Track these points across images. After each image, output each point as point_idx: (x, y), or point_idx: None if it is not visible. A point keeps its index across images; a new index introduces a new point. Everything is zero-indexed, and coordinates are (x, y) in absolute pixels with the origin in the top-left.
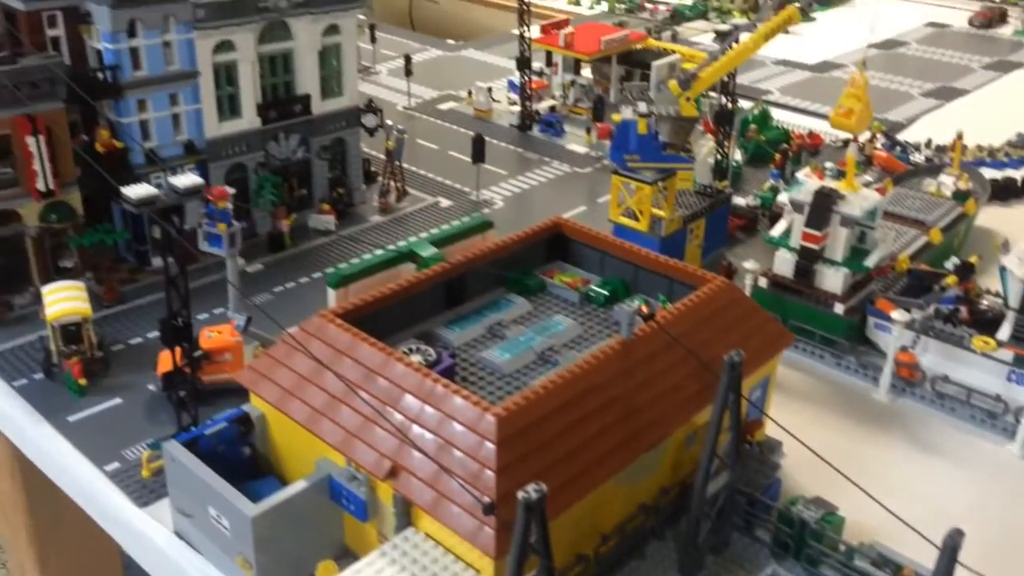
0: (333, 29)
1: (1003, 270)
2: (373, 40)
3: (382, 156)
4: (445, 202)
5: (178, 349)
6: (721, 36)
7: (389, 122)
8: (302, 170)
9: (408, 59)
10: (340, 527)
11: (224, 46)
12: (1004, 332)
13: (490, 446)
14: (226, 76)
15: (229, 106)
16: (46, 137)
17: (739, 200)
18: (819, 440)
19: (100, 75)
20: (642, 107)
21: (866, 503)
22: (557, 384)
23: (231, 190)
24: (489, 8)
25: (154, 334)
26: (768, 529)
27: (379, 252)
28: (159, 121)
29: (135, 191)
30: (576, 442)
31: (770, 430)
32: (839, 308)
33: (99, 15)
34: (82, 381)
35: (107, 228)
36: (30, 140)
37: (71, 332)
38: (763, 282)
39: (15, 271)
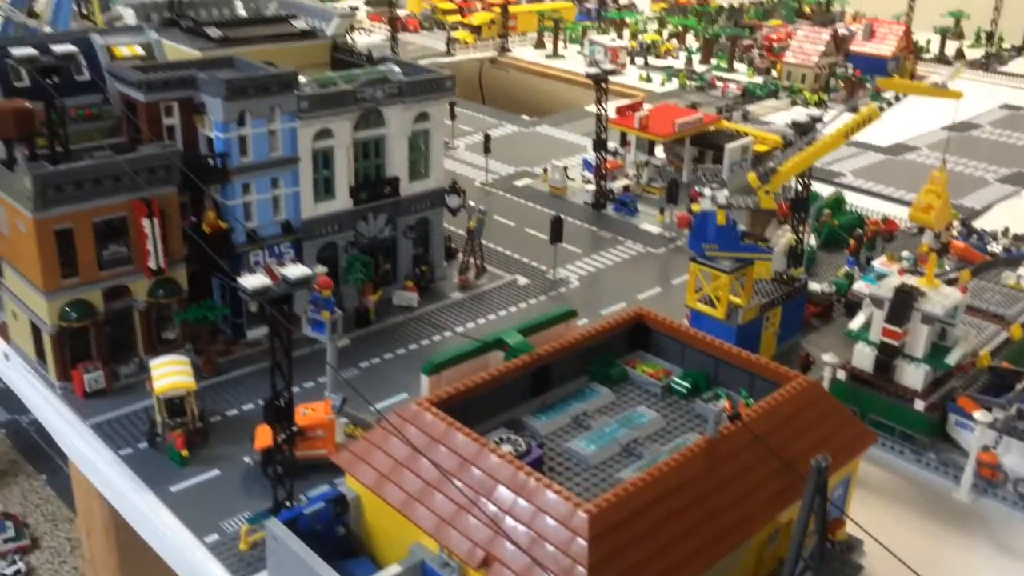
0: (423, 116)
1: None
2: (452, 117)
3: (462, 232)
4: (522, 280)
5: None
6: (798, 128)
7: (471, 202)
8: (387, 247)
9: (487, 138)
10: None
11: (323, 133)
12: None
13: (582, 542)
14: (323, 161)
15: (324, 188)
16: (160, 219)
17: (814, 286)
18: (899, 540)
19: (211, 161)
20: (721, 198)
21: None
22: (647, 481)
23: (322, 268)
24: (558, 81)
25: (249, 406)
26: None
27: (459, 330)
28: (261, 203)
29: (250, 282)
30: (664, 540)
31: (850, 528)
32: (919, 404)
33: (212, 107)
34: (184, 452)
35: (209, 304)
36: (145, 222)
37: (175, 405)
38: (842, 375)
39: (122, 342)
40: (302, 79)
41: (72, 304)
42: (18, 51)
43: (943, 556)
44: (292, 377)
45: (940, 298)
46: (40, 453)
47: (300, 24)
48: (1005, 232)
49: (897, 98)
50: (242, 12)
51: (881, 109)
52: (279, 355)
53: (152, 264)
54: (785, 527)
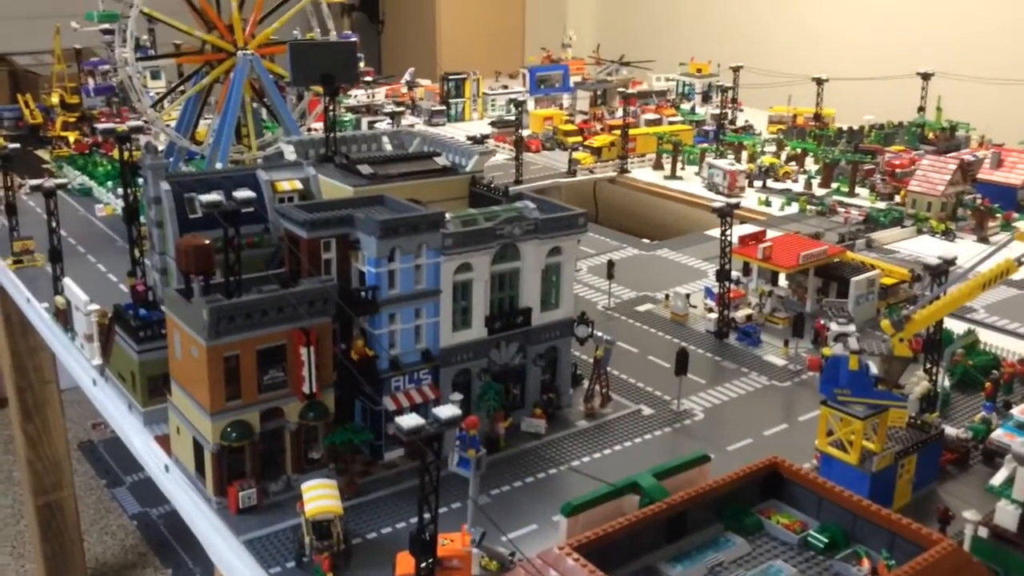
0: (556, 250)
1: None
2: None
3: (588, 359)
4: (647, 410)
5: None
6: (931, 272)
7: (599, 333)
8: (517, 374)
9: (611, 263)
10: None
11: (463, 267)
12: None
13: None
14: (462, 292)
15: (462, 318)
16: (315, 347)
17: (949, 430)
18: None
19: (363, 293)
20: (853, 343)
21: None
22: None
23: (458, 396)
24: (675, 202)
25: (388, 529)
26: None
27: (585, 460)
28: (404, 332)
29: (407, 422)
30: None
31: None
32: None
33: (367, 243)
34: (330, 575)
35: (354, 428)
36: (303, 350)
37: (323, 528)
38: (983, 532)
39: (272, 460)
40: (447, 216)
41: (233, 424)
42: (205, 197)
43: None
44: (438, 511)
45: None
46: (168, 547)
47: (442, 160)
48: None
49: None
50: (389, 148)
51: (1020, 263)
52: (427, 490)
53: (306, 389)
54: None
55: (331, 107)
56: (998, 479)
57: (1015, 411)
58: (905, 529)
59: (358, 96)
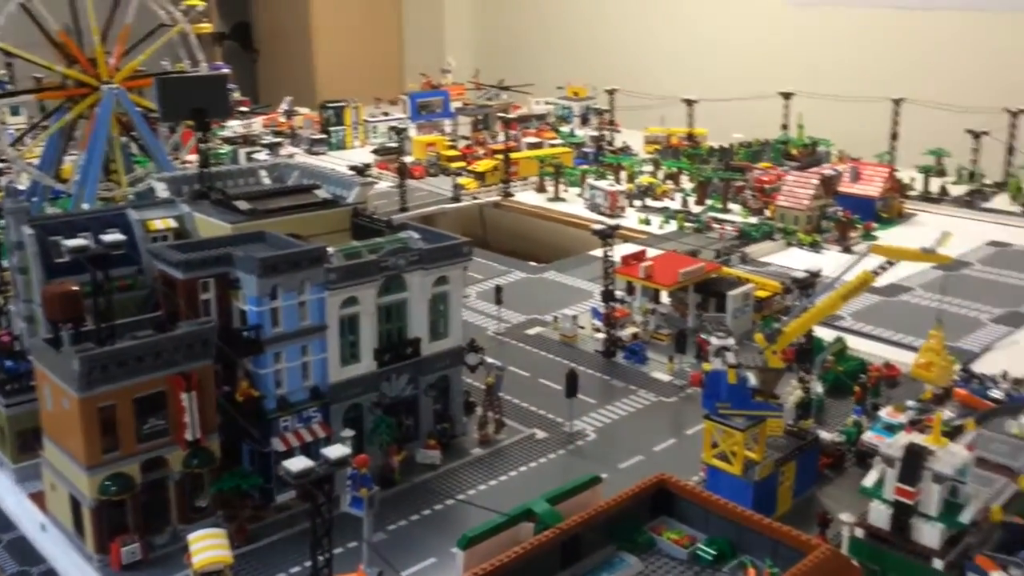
0: (443, 280)
1: None
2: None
3: (481, 386)
4: (541, 434)
5: None
6: (799, 284)
7: (489, 360)
8: (409, 405)
9: (499, 289)
10: None
11: (349, 301)
12: None
13: None
14: (349, 326)
15: (350, 352)
16: (197, 391)
17: (824, 435)
18: None
19: (245, 333)
20: (731, 358)
21: None
22: None
23: (350, 432)
24: (560, 224)
25: (282, 574)
26: None
27: (482, 488)
28: (291, 370)
29: (294, 465)
30: None
31: None
32: (938, 563)
33: (247, 282)
34: None
35: (242, 472)
36: (184, 396)
37: None
38: (860, 533)
39: (156, 512)
40: (330, 250)
41: (112, 477)
42: (71, 242)
43: None
44: (332, 553)
45: (949, 457)
46: None
47: (322, 193)
48: (1004, 376)
49: (890, 263)
50: (267, 181)
51: (876, 274)
52: (320, 532)
53: (189, 436)
54: None
55: (204, 142)
56: (869, 480)
57: (882, 413)
58: (786, 536)
59: (234, 127)
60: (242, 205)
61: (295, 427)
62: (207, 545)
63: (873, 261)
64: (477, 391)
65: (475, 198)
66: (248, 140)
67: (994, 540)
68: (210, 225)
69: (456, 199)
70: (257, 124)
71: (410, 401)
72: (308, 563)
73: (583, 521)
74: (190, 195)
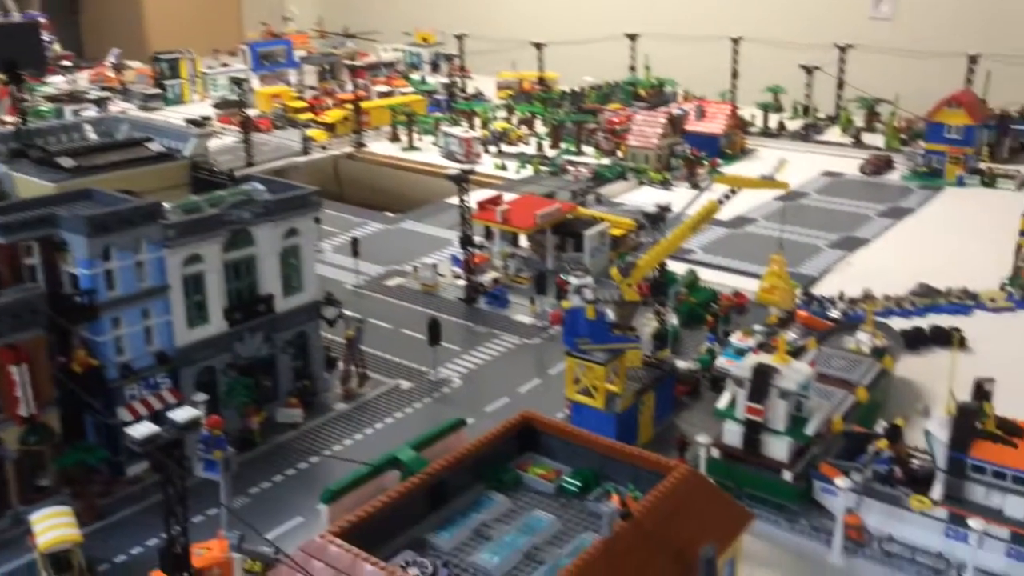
0: (292, 232)
1: (928, 434)
2: (316, 220)
3: (341, 340)
4: (405, 384)
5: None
6: (651, 219)
7: (348, 312)
8: (266, 365)
9: (355, 241)
10: None
11: (192, 259)
12: (937, 492)
13: None
14: (194, 286)
15: (197, 313)
16: (28, 364)
17: (680, 364)
18: None
19: (77, 299)
20: (589, 294)
21: None
22: None
23: (202, 396)
24: (416, 173)
25: (138, 549)
26: None
27: (347, 443)
28: (132, 335)
29: (138, 431)
30: None
31: None
32: (787, 475)
33: (75, 243)
34: None
35: (85, 446)
36: (13, 369)
37: (61, 560)
38: (716, 453)
39: None
40: (166, 206)
41: None
42: None
43: None
44: (188, 522)
45: (793, 374)
46: None
47: (156, 146)
48: (841, 297)
49: (733, 191)
50: (93, 137)
51: (720, 203)
52: (173, 501)
53: (23, 411)
54: None
55: (20, 95)
56: (722, 402)
57: (733, 338)
58: (646, 461)
59: (57, 84)
60: (65, 162)
61: (142, 395)
62: (52, 525)
63: (718, 191)
64: (338, 346)
65: (325, 149)
66: (74, 97)
67: (836, 449)
68: (31, 185)
69: (306, 152)
70: (83, 80)
71: (267, 360)
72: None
73: (449, 464)
74: (7, 154)
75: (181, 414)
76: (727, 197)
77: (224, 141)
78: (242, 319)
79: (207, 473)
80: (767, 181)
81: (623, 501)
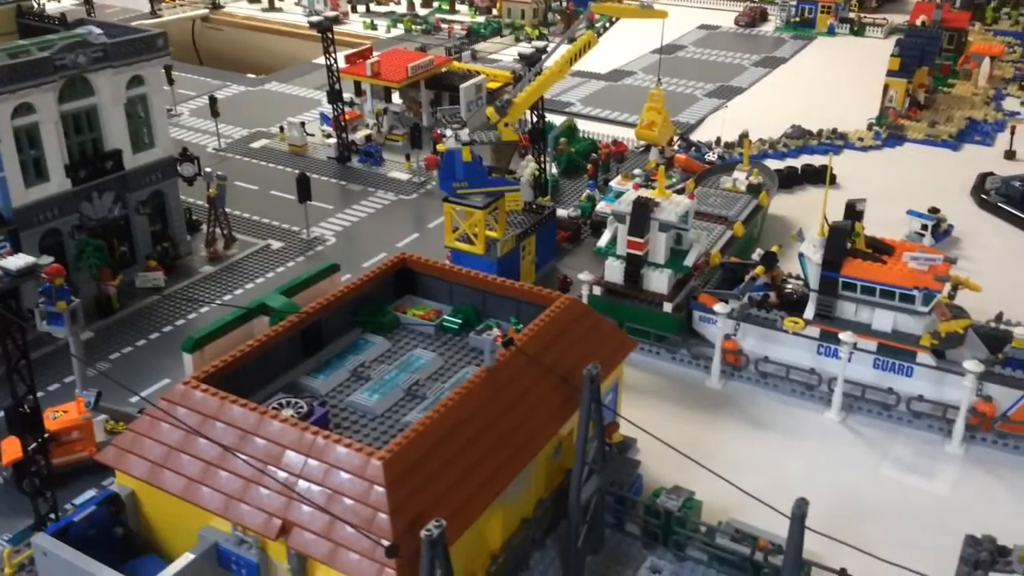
0: (137, 80)
1: (801, 257)
2: (170, 81)
3: (204, 204)
4: (276, 244)
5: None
6: (526, 59)
7: (208, 169)
8: (121, 228)
9: (213, 100)
10: None
11: (23, 109)
12: (809, 312)
13: (380, 490)
14: (28, 140)
15: (35, 170)
16: None
17: (561, 212)
18: (666, 431)
19: None
20: (464, 135)
21: (716, 483)
22: (435, 419)
23: (48, 259)
24: (279, 36)
25: None
26: (637, 523)
27: (216, 302)
28: None
29: None
30: (458, 472)
31: (625, 429)
32: (668, 307)
33: None
34: None
35: None
36: None
37: None
38: (597, 290)
39: None
40: None
41: None
42: None
43: (705, 438)
44: (34, 379)
45: (672, 206)
46: None
47: None
48: (718, 142)
49: (611, 22)
50: None
51: (598, 34)
52: (14, 357)
53: None
54: (567, 439)
55: None
56: (603, 241)
57: (613, 183)
58: (528, 295)
59: None
60: None
61: None
62: None
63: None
64: (202, 210)
65: (178, 8)
66: None
67: (715, 280)
68: None
69: (155, 14)
70: None
71: (121, 222)
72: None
73: (322, 308)
74: None
75: (14, 261)
76: (604, 28)
77: (62, 3)
78: (87, 177)
79: (51, 327)
80: (646, 10)
81: (505, 334)
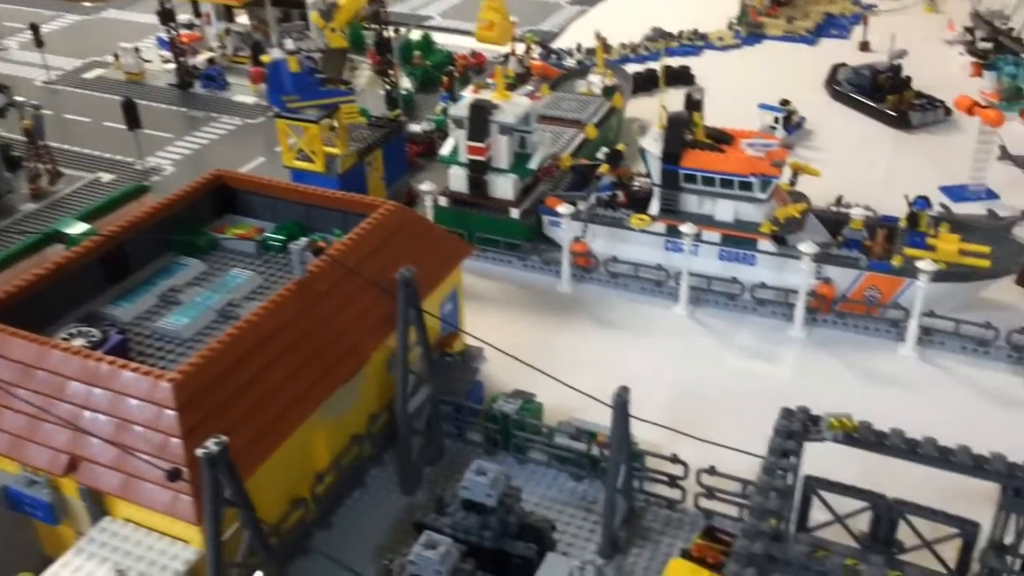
0: None
1: (643, 151)
2: None
3: (21, 138)
4: (107, 176)
5: None
6: None
7: (19, 98)
8: None
9: (35, 28)
10: (34, 537)
11: None
12: (654, 207)
13: (171, 413)
14: None
15: None
16: None
17: (414, 127)
18: (517, 339)
19: None
20: (289, 44)
21: (560, 386)
22: (234, 337)
23: None
24: None
25: None
26: (477, 430)
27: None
28: None
29: None
30: (266, 389)
31: (472, 340)
32: (515, 213)
33: None
34: None
35: None
36: None
37: None
38: (444, 201)
39: None
40: None
41: None
42: None
43: (554, 342)
44: None
45: (512, 108)
46: None
47: None
48: (578, 48)
49: None
50: None
51: None
52: None
53: None
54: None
55: None
56: (446, 149)
57: (464, 92)
58: (353, 204)
59: None
60: None
61: None
62: None
63: None
64: (24, 146)
65: None
66: None
67: (565, 184)
68: None
69: None
70: None
71: None
72: None
73: (123, 230)
74: None
75: None
76: None
77: None
78: None
79: None
80: None
81: (328, 244)
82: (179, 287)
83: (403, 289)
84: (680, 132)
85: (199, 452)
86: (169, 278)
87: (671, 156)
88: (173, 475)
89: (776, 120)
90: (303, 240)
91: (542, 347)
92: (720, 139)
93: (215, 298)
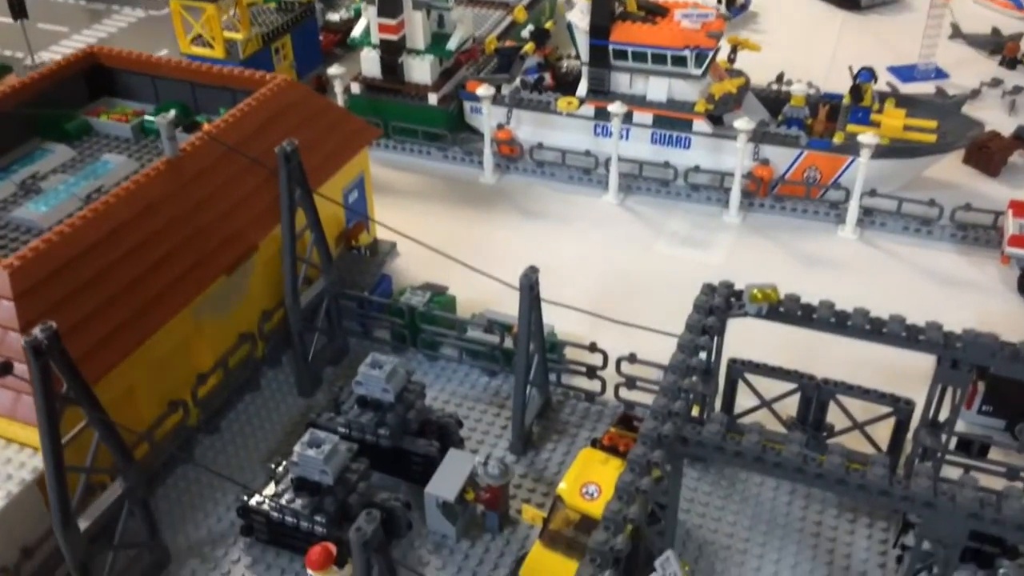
0: None
1: (570, 26)
2: None
3: None
4: None
5: None
6: None
7: None
8: None
9: None
10: None
11: None
12: (582, 88)
13: (7, 304)
14: None
15: None
16: None
17: (333, 16)
18: (435, 231)
19: None
20: None
21: (479, 278)
22: (86, 220)
23: None
24: None
25: None
26: (384, 327)
27: None
28: None
29: None
30: (127, 279)
31: (383, 234)
32: (433, 98)
33: None
34: None
35: None
36: None
37: None
38: (357, 88)
39: None
40: None
41: None
42: None
43: (474, 235)
44: None
45: None
46: None
47: None
48: None
49: None
50: None
51: None
52: None
53: None
54: (300, 242)
55: None
56: (357, 30)
57: None
58: (241, 81)
59: None
60: None
61: None
62: None
63: None
64: None
65: None
66: None
67: (490, 68)
68: None
69: None
70: None
71: None
72: None
73: None
74: None
75: None
76: None
77: None
78: None
79: None
80: None
81: (210, 121)
82: (43, 174)
83: (284, 164)
84: (609, 2)
85: (22, 340)
86: (32, 164)
87: (599, 29)
88: (4, 368)
89: (719, 1)
90: (171, 113)
91: (462, 241)
92: (653, 11)
93: (81, 185)
